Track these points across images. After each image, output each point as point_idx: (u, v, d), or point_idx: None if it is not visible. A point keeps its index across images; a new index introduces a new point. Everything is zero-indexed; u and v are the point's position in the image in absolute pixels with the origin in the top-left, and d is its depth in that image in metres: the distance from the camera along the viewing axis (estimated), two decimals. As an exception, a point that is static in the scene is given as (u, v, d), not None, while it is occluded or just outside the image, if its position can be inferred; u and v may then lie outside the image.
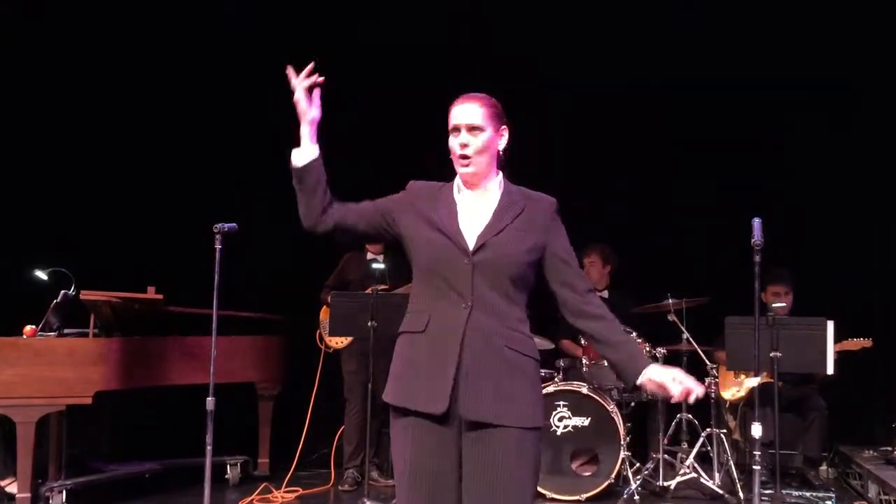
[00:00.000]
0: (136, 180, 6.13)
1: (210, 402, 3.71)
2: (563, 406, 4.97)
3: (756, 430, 3.93)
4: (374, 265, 5.26)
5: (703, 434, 5.15)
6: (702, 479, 5.01)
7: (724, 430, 5.26)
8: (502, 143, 2.41)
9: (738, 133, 6.08)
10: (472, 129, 2.35)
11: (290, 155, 2.49)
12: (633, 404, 5.29)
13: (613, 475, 4.88)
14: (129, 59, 6.15)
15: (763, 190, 5.89)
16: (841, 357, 4.97)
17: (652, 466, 5.16)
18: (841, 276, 5.90)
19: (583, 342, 5.25)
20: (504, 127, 2.41)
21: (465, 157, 2.34)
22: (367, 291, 4.87)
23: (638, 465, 5.20)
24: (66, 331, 4.79)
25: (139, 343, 4.90)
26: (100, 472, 5.07)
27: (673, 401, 2.30)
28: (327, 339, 5.55)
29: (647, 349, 5.16)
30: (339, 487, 5.39)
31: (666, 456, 5.18)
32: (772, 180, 6.07)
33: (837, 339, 4.61)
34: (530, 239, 2.34)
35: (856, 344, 5.09)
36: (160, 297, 4.90)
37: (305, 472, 5.59)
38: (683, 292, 5.18)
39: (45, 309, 4.74)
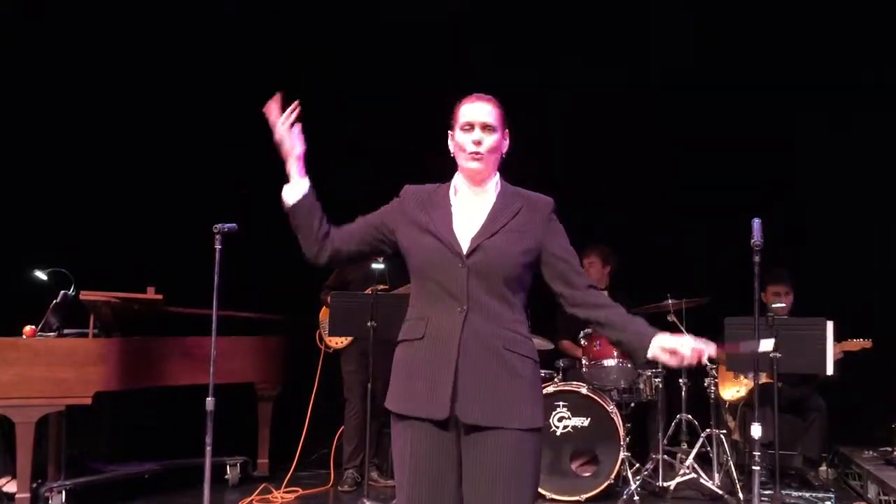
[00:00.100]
0: (136, 180, 6.14)
1: (210, 402, 3.70)
2: (563, 406, 4.96)
3: (756, 430, 3.93)
4: (374, 265, 5.23)
5: (702, 434, 5.15)
6: (701, 480, 5.01)
7: (724, 431, 5.26)
8: (506, 146, 2.43)
9: (738, 133, 6.08)
10: (486, 127, 2.36)
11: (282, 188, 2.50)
12: (632, 405, 5.28)
13: (613, 475, 4.88)
14: (129, 60, 6.16)
15: (763, 190, 5.89)
16: (841, 358, 4.97)
17: (651, 467, 5.15)
18: (841, 276, 5.90)
19: (582, 342, 5.24)
20: (507, 131, 2.43)
21: (477, 153, 2.35)
22: (366, 292, 4.87)
23: (637, 465, 5.19)
24: (65, 331, 4.79)
25: (139, 343, 4.89)
26: (99, 473, 5.08)
27: (685, 363, 2.26)
28: (327, 339, 5.54)
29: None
30: (339, 488, 5.39)
31: (665, 456, 5.18)
32: (772, 180, 6.07)
33: (837, 340, 4.61)
34: (526, 240, 2.34)
35: (855, 344, 5.09)
36: (160, 297, 4.90)
37: (305, 472, 5.59)
38: (683, 293, 5.17)
39: (45, 309, 4.74)
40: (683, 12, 6.07)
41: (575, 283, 2.38)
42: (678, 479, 5.05)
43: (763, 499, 4.10)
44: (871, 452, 5.57)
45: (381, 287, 4.96)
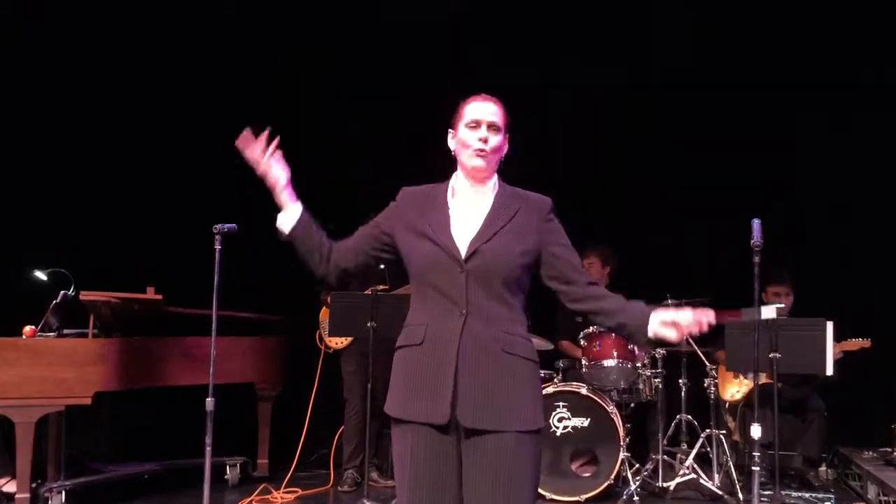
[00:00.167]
0: (136, 181, 6.13)
1: (209, 402, 3.70)
2: (563, 407, 4.96)
3: (755, 430, 3.93)
4: (374, 266, 5.24)
5: (702, 435, 5.15)
6: (701, 480, 5.01)
7: (724, 431, 5.26)
8: (505, 149, 2.44)
9: (738, 133, 6.08)
10: (492, 126, 2.37)
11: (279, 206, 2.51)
12: (632, 405, 5.28)
13: (613, 476, 4.88)
14: (129, 60, 6.15)
15: (763, 190, 5.88)
16: (841, 357, 4.97)
17: (651, 467, 5.15)
18: (841, 276, 5.90)
19: (582, 343, 5.24)
20: (507, 135, 2.44)
21: (483, 150, 2.35)
22: (366, 292, 4.86)
23: (637, 465, 5.19)
24: (65, 331, 4.79)
25: (138, 343, 4.89)
26: (99, 473, 5.07)
27: (687, 334, 2.24)
28: (327, 339, 5.54)
29: (647, 349, 5.15)
30: (339, 488, 5.39)
31: (665, 457, 5.18)
32: (772, 180, 6.07)
33: (836, 340, 4.61)
34: (524, 241, 2.34)
35: (854, 344, 5.09)
36: (160, 297, 4.90)
37: (305, 472, 5.58)
38: (683, 293, 5.17)
39: (45, 309, 4.74)
40: (683, 12, 6.07)
41: (575, 279, 2.38)
42: (678, 480, 5.05)
43: (763, 499, 4.10)
44: (870, 453, 5.57)
45: (381, 287, 4.97)
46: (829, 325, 4.27)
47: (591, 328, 5.14)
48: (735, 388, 5.36)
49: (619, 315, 2.35)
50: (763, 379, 4.53)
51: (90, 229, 5.91)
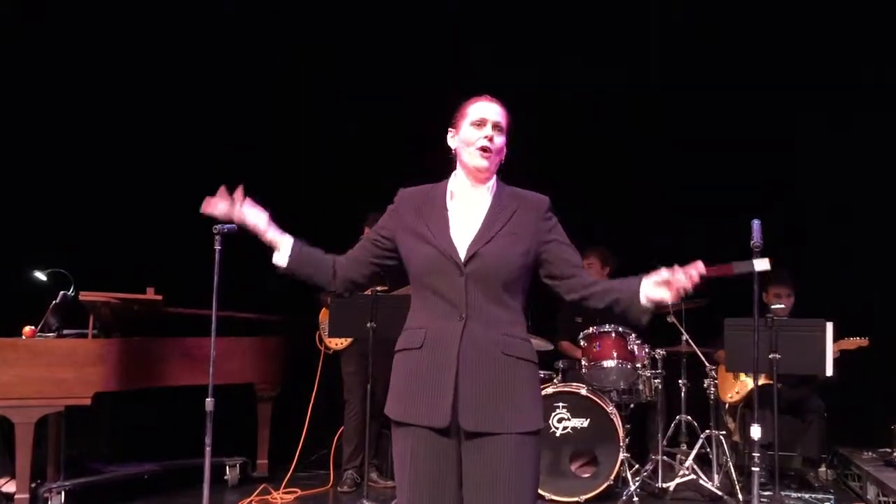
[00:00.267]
0: (136, 181, 6.13)
1: (209, 402, 3.70)
2: (563, 407, 4.96)
3: (755, 431, 3.93)
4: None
5: (702, 435, 5.14)
6: (701, 481, 5.01)
7: (724, 432, 5.26)
8: (504, 151, 2.44)
9: (738, 133, 6.08)
10: (497, 126, 2.39)
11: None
12: (632, 406, 5.28)
13: (612, 476, 4.87)
14: (129, 60, 6.15)
15: (763, 190, 5.88)
16: (839, 357, 4.96)
17: (651, 468, 5.15)
18: (841, 276, 5.90)
19: (582, 343, 5.23)
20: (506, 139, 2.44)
21: (487, 148, 2.36)
22: (366, 293, 4.86)
23: (637, 466, 5.19)
24: (65, 331, 4.78)
25: (138, 344, 4.89)
26: (98, 473, 5.07)
27: (681, 288, 2.23)
28: (327, 340, 5.54)
29: (647, 350, 5.16)
30: (339, 489, 5.38)
31: (665, 457, 5.17)
32: (772, 180, 6.07)
33: (835, 339, 4.60)
34: (523, 242, 2.34)
35: (852, 343, 5.08)
36: (159, 297, 4.90)
37: (304, 473, 5.58)
38: (683, 293, 5.15)
39: (45, 310, 4.74)
40: (683, 12, 6.06)
41: (571, 274, 2.38)
42: (677, 481, 5.05)
43: (762, 500, 4.10)
44: (870, 453, 5.57)
45: (381, 288, 4.96)
46: (829, 326, 4.27)
47: (591, 329, 5.14)
48: (735, 389, 5.35)
49: (611, 292, 2.34)
50: (762, 380, 4.53)
51: (90, 229, 5.91)
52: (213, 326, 3.77)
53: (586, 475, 4.92)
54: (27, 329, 4.60)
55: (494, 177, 2.43)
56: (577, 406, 4.96)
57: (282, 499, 5.08)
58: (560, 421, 4.95)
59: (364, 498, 4.75)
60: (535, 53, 6.22)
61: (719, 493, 4.94)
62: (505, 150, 2.43)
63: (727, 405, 5.42)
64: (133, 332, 4.96)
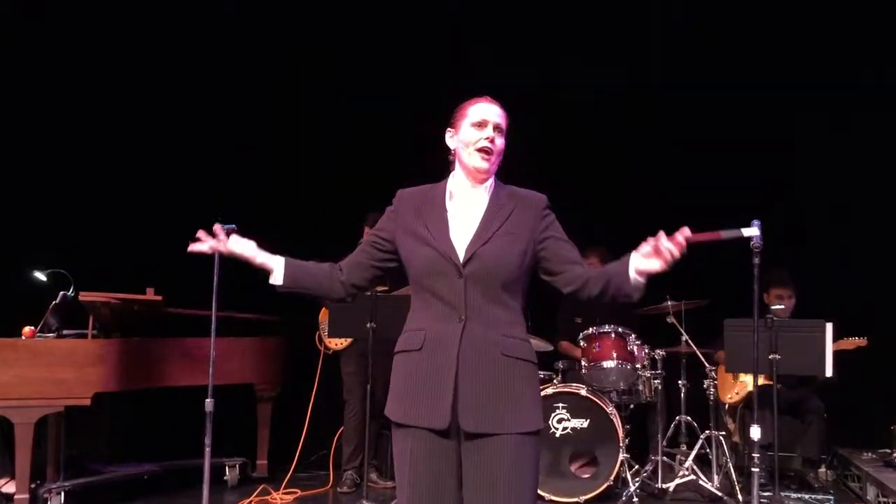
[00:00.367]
0: (136, 181, 6.13)
1: (209, 403, 3.70)
2: (562, 408, 4.95)
3: (755, 432, 3.93)
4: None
5: (701, 436, 5.14)
6: (700, 482, 5.00)
7: (723, 433, 5.25)
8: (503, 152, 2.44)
9: (738, 133, 6.07)
10: (497, 128, 2.39)
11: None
12: (632, 406, 5.27)
13: (612, 477, 4.87)
14: (130, 60, 6.15)
15: (763, 190, 5.88)
16: (837, 356, 4.96)
17: (651, 468, 5.15)
18: (841, 276, 5.89)
19: (581, 344, 5.23)
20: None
21: (489, 149, 2.36)
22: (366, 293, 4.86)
23: (637, 467, 5.19)
24: (64, 332, 4.78)
25: (138, 344, 4.89)
26: (98, 474, 5.07)
27: (669, 253, 2.24)
28: (327, 340, 5.54)
29: (647, 350, 5.16)
30: (338, 489, 5.38)
31: (665, 458, 5.17)
32: (772, 180, 6.07)
33: (834, 339, 4.61)
34: (521, 241, 2.34)
35: (851, 343, 5.08)
36: (159, 298, 4.90)
37: (304, 473, 5.58)
38: (683, 294, 5.17)
39: (44, 310, 4.74)
40: (683, 12, 6.06)
41: (568, 268, 2.38)
42: (677, 481, 5.05)
43: (762, 500, 4.10)
44: (870, 454, 5.57)
45: (381, 289, 4.96)
46: (829, 327, 4.27)
47: (591, 329, 5.14)
48: (734, 390, 5.34)
49: (603, 275, 2.34)
50: (762, 380, 4.53)
51: (90, 230, 5.91)
52: (213, 327, 3.77)
53: (586, 476, 4.92)
54: (27, 329, 4.60)
55: (493, 177, 2.43)
56: (577, 406, 4.96)
57: (281, 499, 5.08)
58: (560, 421, 4.94)
59: (364, 498, 4.75)
60: (535, 53, 6.22)
61: (719, 493, 4.94)
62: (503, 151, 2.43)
63: (727, 406, 5.42)
64: (133, 332, 4.96)
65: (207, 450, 3.67)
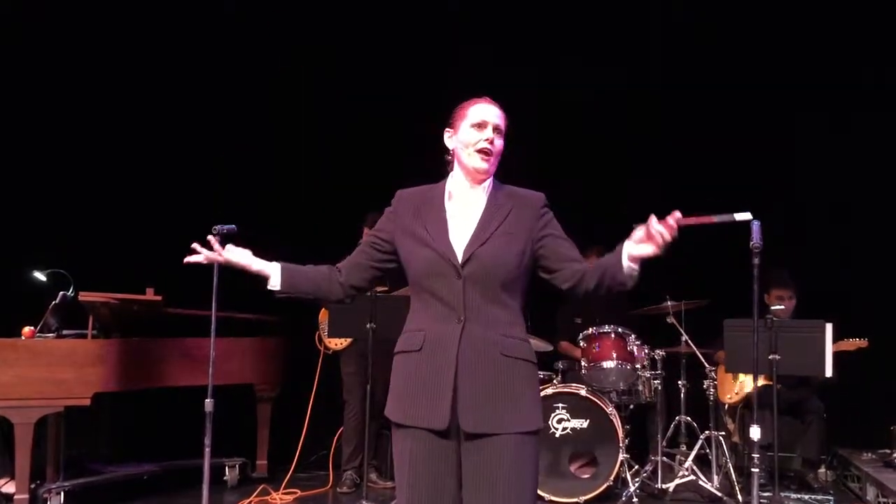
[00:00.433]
0: (135, 181, 6.13)
1: (209, 403, 3.70)
2: (562, 408, 4.95)
3: (754, 432, 3.93)
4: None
5: (701, 436, 5.14)
6: (700, 482, 5.00)
7: (723, 433, 5.25)
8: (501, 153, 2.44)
9: (738, 133, 6.07)
10: (497, 129, 2.39)
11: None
12: (631, 406, 5.27)
13: (612, 477, 4.87)
14: (130, 60, 6.15)
15: (763, 190, 5.88)
16: (837, 357, 4.96)
17: (650, 469, 5.15)
18: (841, 276, 5.89)
19: (581, 344, 5.23)
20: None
21: (489, 150, 2.36)
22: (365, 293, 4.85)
23: (636, 467, 5.19)
24: (64, 332, 4.78)
25: (138, 344, 4.89)
26: (98, 474, 5.07)
27: (661, 236, 2.22)
28: (326, 340, 5.54)
29: (647, 351, 5.16)
30: (338, 489, 5.38)
31: (664, 458, 5.17)
32: (772, 180, 6.06)
33: (834, 340, 4.61)
34: (519, 241, 2.34)
35: (851, 344, 5.08)
36: (159, 298, 4.90)
37: (304, 473, 5.58)
38: (683, 294, 5.16)
39: (44, 310, 4.74)
40: (683, 12, 6.06)
41: (566, 265, 2.38)
42: (677, 481, 5.05)
43: (762, 501, 4.09)
44: (870, 454, 5.56)
45: (381, 289, 4.96)
46: (828, 328, 4.27)
47: (591, 329, 5.14)
48: (734, 390, 5.34)
49: (599, 267, 2.34)
50: (762, 380, 4.53)
51: (90, 230, 5.91)
52: (213, 327, 3.76)
53: (586, 476, 4.92)
54: (27, 329, 4.60)
55: (491, 177, 2.43)
56: (577, 407, 4.96)
57: (281, 499, 5.08)
58: (560, 422, 4.94)
59: (363, 498, 4.75)
60: (535, 53, 6.22)
61: (719, 493, 4.94)
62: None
63: (727, 406, 5.42)
64: (133, 332, 4.96)
65: (207, 450, 3.67)
